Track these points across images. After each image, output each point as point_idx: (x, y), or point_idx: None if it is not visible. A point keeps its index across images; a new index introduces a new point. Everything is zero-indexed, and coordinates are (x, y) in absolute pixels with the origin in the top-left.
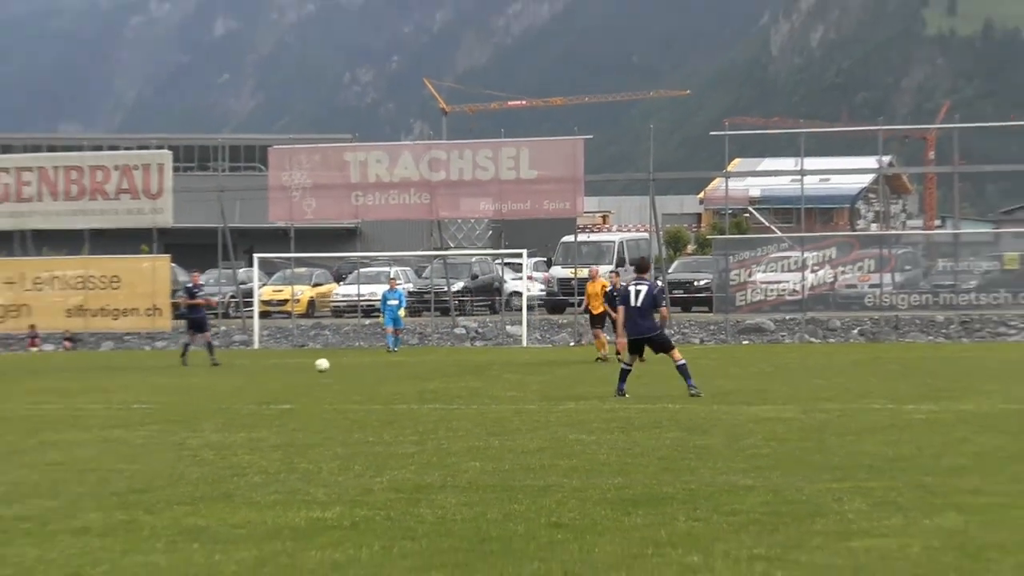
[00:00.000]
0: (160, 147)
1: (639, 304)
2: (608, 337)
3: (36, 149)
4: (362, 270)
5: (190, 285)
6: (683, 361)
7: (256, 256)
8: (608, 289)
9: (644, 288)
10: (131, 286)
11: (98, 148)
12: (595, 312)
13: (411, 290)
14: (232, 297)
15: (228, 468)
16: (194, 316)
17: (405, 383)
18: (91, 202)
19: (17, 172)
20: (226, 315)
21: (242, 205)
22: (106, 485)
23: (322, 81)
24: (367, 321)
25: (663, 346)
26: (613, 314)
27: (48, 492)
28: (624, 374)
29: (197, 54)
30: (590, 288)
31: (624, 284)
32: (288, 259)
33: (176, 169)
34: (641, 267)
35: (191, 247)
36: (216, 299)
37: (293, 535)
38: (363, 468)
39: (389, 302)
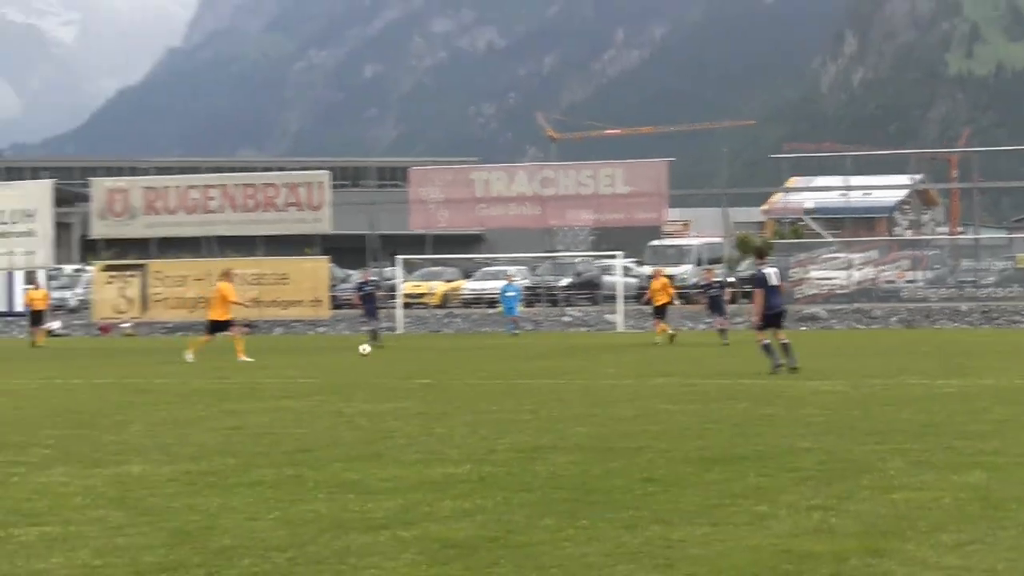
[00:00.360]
0: (320, 168)
1: (777, 283)
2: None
3: (219, 170)
4: (486, 269)
5: (361, 281)
6: (787, 341)
7: (399, 257)
8: (703, 284)
9: (775, 269)
10: (297, 282)
11: (269, 169)
12: (657, 304)
13: (526, 285)
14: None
15: (377, 432)
16: (367, 307)
17: (522, 362)
18: (264, 213)
19: (204, 189)
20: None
21: (387, 215)
22: (277, 446)
23: (452, 114)
24: (491, 311)
25: (783, 321)
26: (692, 305)
27: (229, 451)
28: (768, 348)
29: (349, 93)
30: (654, 284)
31: (759, 268)
32: (425, 260)
33: (333, 186)
34: (763, 252)
35: (346, 250)
36: (381, 292)
37: (431, 487)
38: (488, 432)
39: (507, 294)
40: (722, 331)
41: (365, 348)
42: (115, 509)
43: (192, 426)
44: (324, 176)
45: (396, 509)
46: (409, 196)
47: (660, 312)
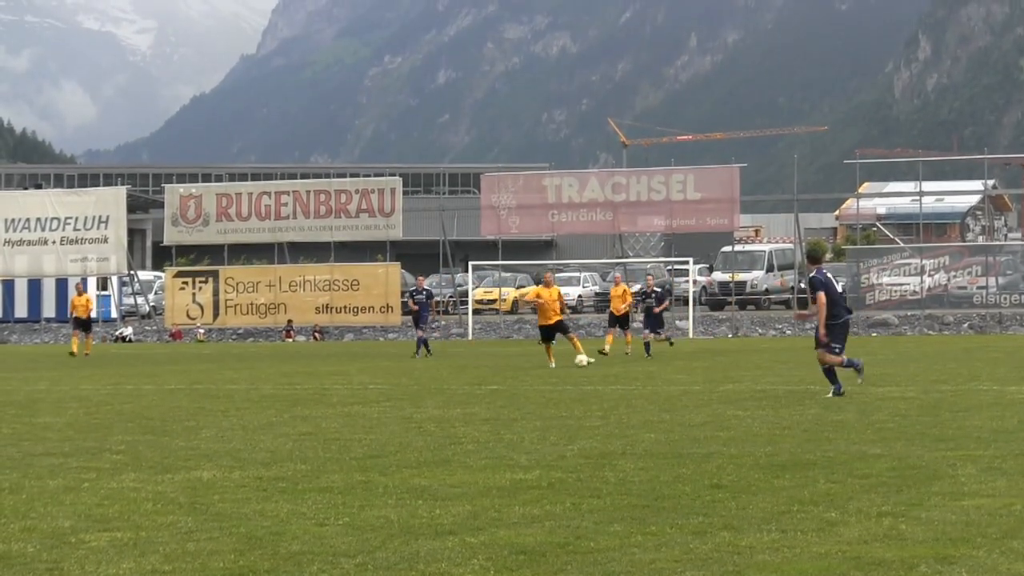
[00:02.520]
0: (392, 174)
1: (843, 291)
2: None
3: (291, 176)
4: (557, 275)
5: (413, 288)
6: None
7: (471, 263)
8: (644, 290)
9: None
10: (368, 288)
11: (342, 175)
12: (617, 313)
13: (596, 291)
14: (451, 297)
15: (446, 438)
16: (419, 314)
17: (591, 368)
18: (336, 219)
19: (276, 195)
20: (446, 312)
21: (459, 221)
22: (347, 451)
23: (524, 120)
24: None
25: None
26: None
27: (299, 457)
28: (834, 374)
29: (423, 98)
30: (613, 291)
31: (819, 271)
32: (496, 266)
33: (405, 192)
34: (818, 256)
35: (417, 256)
36: (436, 299)
37: (500, 493)
38: (557, 438)
39: None
40: (647, 344)
41: (582, 359)
42: (185, 515)
43: (263, 432)
44: (396, 182)
45: (465, 515)
46: (481, 202)
47: (620, 321)
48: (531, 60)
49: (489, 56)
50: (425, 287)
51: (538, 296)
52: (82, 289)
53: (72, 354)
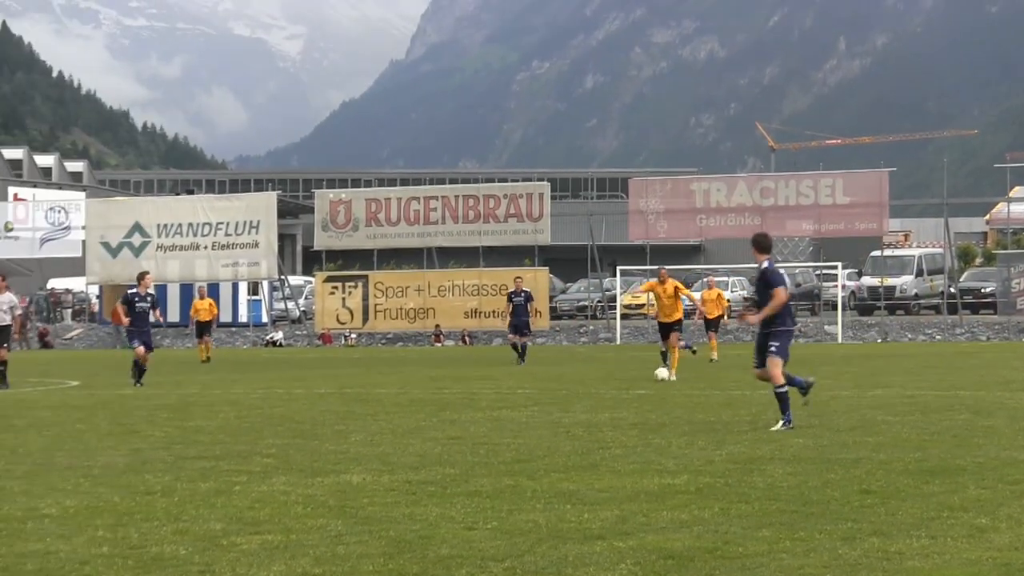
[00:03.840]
0: (540, 179)
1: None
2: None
3: (440, 181)
4: (704, 279)
5: (511, 291)
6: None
7: (618, 268)
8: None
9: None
10: None
11: (490, 180)
12: (710, 317)
13: (745, 296)
14: (599, 302)
15: (594, 442)
16: (513, 319)
17: (737, 372)
18: (484, 224)
19: (425, 200)
20: (594, 316)
21: (607, 226)
22: (495, 456)
23: (672, 124)
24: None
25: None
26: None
27: (447, 461)
28: (785, 397)
29: (571, 103)
30: (705, 295)
31: (769, 263)
32: (644, 271)
33: (553, 197)
34: (766, 245)
35: (565, 261)
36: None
37: (648, 498)
38: (705, 443)
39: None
40: (689, 347)
41: (662, 372)
42: (335, 518)
43: (411, 436)
44: (544, 187)
45: (613, 519)
46: (628, 207)
47: (712, 325)
48: (679, 64)
49: (636, 60)
50: (524, 289)
51: (651, 290)
52: (205, 293)
53: (204, 360)
